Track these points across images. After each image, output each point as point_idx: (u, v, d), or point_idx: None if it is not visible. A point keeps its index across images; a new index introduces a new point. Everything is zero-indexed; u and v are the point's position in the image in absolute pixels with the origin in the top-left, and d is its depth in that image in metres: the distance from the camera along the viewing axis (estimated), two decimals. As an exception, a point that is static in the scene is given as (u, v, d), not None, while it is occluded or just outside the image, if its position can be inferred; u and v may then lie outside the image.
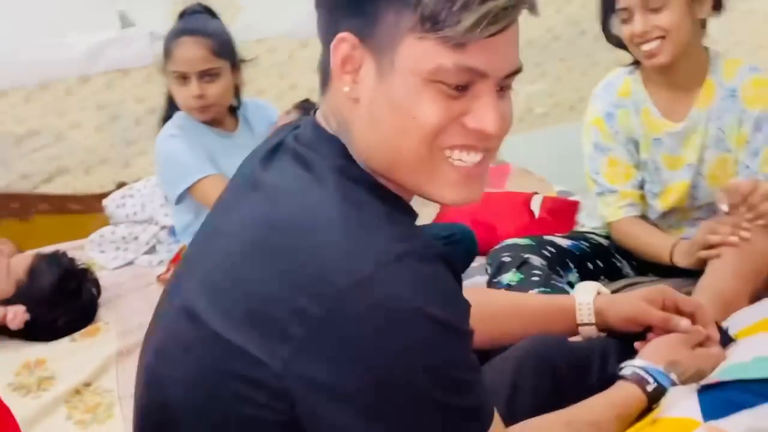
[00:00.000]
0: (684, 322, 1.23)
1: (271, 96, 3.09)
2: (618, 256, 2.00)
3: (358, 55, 0.87)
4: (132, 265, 2.61)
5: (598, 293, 1.32)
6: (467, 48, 0.83)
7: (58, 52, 2.85)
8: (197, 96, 2.09)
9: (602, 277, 1.97)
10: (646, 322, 1.26)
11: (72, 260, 2.29)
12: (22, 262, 2.23)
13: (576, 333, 1.31)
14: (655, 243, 1.87)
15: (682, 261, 1.78)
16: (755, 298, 1.59)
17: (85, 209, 2.94)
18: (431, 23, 0.82)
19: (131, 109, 2.96)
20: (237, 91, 2.23)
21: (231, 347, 0.84)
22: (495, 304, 1.34)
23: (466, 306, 0.89)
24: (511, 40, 0.87)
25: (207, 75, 2.08)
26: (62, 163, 2.97)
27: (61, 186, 2.98)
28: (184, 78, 2.09)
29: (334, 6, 0.90)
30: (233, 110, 2.27)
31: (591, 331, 1.31)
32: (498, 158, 3.38)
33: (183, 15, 2.21)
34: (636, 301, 1.28)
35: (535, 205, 2.60)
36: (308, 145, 0.93)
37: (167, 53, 2.10)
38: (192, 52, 2.07)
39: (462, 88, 0.86)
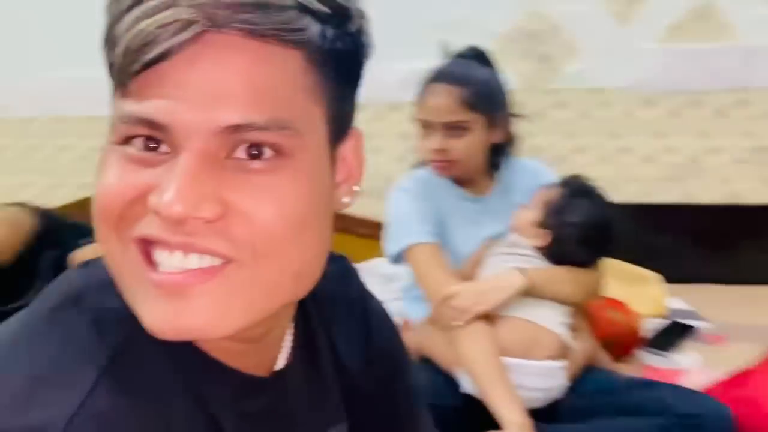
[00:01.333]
0: None
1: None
2: None
3: None
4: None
5: None
6: (130, 90, 0.59)
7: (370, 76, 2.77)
8: (438, 150, 1.88)
9: None
10: None
11: None
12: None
13: None
14: None
15: None
16: None
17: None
18: (110, 65, 0.61)
19: (393, 145, 2.82)
20: (498, 149, 1.96)
21: None
22: None
23: None
24: (204, 75, 0.58)
25: (453, 128, 1.86)
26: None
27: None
28: (428, 127, 1.89)
29: None
30: (494, 169, 2.00)
31: None
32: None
33: (451, 57, 1.99)
34: None
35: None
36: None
37: (418, 97, 1.92)
38: (439, 100, 1.87)
39: (160, 151, 0.60)
